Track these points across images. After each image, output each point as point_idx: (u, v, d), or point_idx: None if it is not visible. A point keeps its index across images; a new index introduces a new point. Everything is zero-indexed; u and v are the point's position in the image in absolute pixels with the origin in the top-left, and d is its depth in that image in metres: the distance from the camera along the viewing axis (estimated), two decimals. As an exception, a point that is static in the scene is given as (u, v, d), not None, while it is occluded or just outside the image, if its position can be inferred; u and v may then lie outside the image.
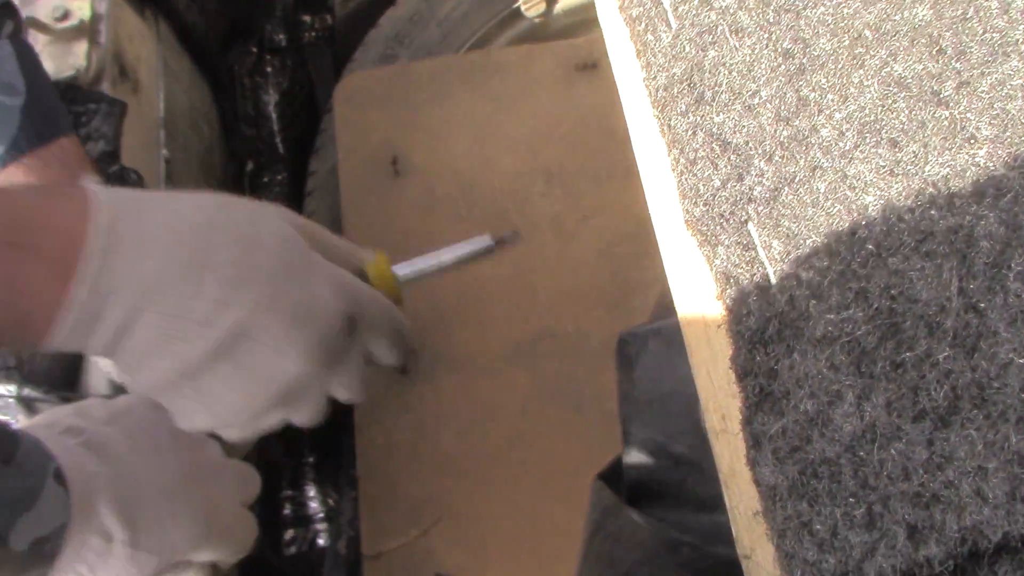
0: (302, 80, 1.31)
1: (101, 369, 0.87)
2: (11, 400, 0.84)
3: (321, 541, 1.06)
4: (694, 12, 0.38)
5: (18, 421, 0.84)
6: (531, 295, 1.08)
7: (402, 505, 1.01)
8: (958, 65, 0.32)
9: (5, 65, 0.75)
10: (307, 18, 1.34)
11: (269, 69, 1.30)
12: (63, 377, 0.87)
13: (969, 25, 0.33)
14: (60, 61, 1.00)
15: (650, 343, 0.86)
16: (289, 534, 1.06)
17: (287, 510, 1.07)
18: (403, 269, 0.73)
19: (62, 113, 0.81)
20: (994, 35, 0.33)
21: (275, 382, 0.57)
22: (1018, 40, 0.33)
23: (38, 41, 1.01)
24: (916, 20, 0.33)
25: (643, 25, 0.40)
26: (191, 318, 0.53)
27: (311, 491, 1.07)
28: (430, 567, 0.99)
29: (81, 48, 1.00)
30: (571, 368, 1.05)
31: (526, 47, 1.21)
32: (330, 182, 1.17)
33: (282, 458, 1.09)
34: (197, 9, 1.20)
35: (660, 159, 0.37)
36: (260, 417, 0.60)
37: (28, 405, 0.85)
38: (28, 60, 0.79)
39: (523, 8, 1.26)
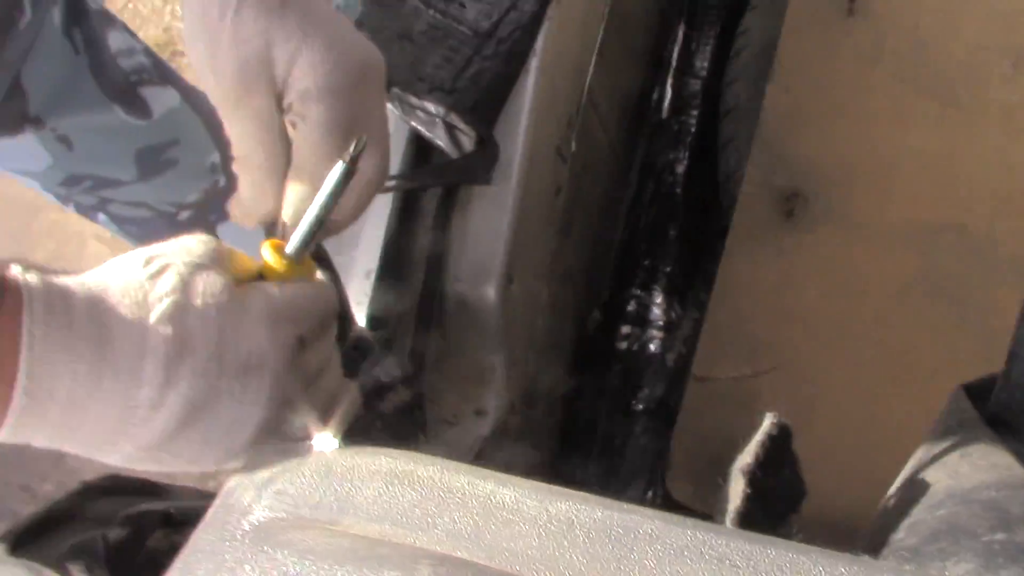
0: None
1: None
2: (437, 120, 0.90)
3: (652, 347, 1.08)
4: None
5: (438, 142, 0.90)
6: (950, 181, 0.99)
7: (744, 342, 1.00)
8: None
9: None
10: None
11: None
12: (486, 114, 0.91)
13: None
14: None
15: (1084, 271, 0.77)
16: (625, 330, 1.09)
17: (631, 307, 1.09)
18: (294, 245, 0.63)
19: None
20: None
21: (247, 429, 0.56)
22: None
23: None
24: None
25: None
26: (140, 406, 0.53)
27: (658, 298, 1.08)
28: (751, 409, 0.98)
29: None
30: (967, 270, 0.97)
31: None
32: (777, 3, 1.11)
33: (641, 258, 1.11)
34: None
35: None
36: (250, 449, 0.57)
37: (450, 131, 0.90)
38: None
39: None
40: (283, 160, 0.64)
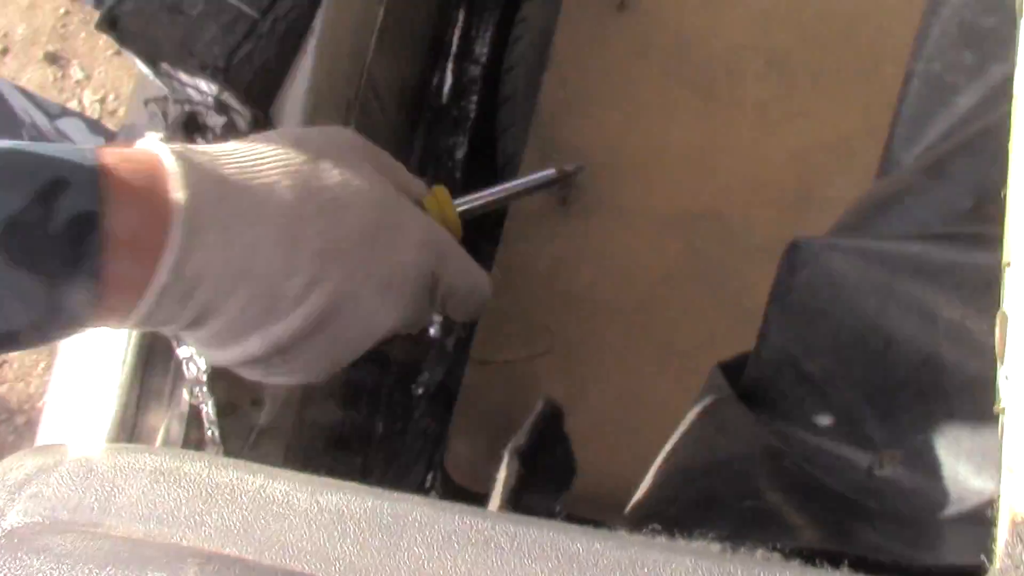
0: None
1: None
2: (210, 99, 0.87)
3: (432, 332, 1.09)
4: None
5: (210, 122, 0.87)
6: (710, 172, 1.06)
7: (519, 325, 1.03)
8: None
9: None
10: None
11: None
12: (262, 93, 0.89)
13: None
14: None
15: (822, 257, 0.84)
16: (405, 315, 1.09)
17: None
18: (463, 204, 0.66)
19: None
20: None
21: (364, 344, 0.56)
22: None
23: None
24: None
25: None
26: (284, 297, 0.51)
27: (438, 282, 1.09)
28: (528, 391, 1.02)
29: None
30: (724, 255, 1.04)
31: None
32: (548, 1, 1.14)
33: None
34: None
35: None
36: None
37: (224, 110, 0.87)
38: None
39: None
40: None
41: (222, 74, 0.87)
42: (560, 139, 1.07)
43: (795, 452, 0.78)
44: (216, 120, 0.88)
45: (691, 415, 0.87)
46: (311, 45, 0.90)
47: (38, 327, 0.47)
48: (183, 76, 0.87)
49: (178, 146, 0.50)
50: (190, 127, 0.87)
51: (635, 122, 1.07)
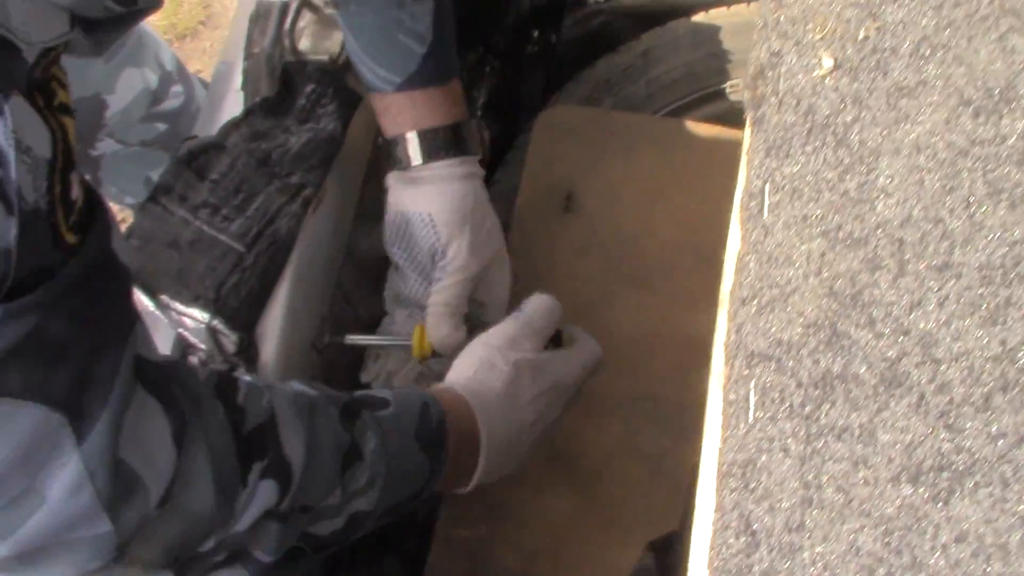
0: (512, 90, 1.42)
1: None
2: (202, 326, 1.01)
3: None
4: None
5: (202, 346, 1.01)
6: (646, 358, 1.19)
7: (478, 503, 1.15)
8: None
9: (423, 18, 0.99)
10: (535, 32, 1.45)
11: (487, 69, 1.42)
12: (247, 319, 1.03)
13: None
14: (318, 42, 1.15)
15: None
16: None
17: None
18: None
19: (454, 63, 1.06)
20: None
21: (551, 434, 1.08)
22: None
23: (304, 17, 1.16)
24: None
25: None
26: (524, 426, 1.01)
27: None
28: (486, 563, 1.14)
29: (339, 36, 1.14)
30: (661, 434, 1.16)
31: (718, 128, 1.30)
32: (507, 195, 1.29)
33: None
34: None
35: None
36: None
37: (213, 335, 1.02)
38: (442, 15, 1.02)
39: (728, 91, 1.34)
40: None
41: (212, 304, 1.01)
42: (514, 330, 1.21)
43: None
44: (207, 342, 1.02)
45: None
46: (288, 273, 1.05)
47: (422, 493, 0.92)
48: (179, 306, 1.02)
49: (470, 393, 0.98)
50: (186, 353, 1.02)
51: (580, 314, 1.21)
